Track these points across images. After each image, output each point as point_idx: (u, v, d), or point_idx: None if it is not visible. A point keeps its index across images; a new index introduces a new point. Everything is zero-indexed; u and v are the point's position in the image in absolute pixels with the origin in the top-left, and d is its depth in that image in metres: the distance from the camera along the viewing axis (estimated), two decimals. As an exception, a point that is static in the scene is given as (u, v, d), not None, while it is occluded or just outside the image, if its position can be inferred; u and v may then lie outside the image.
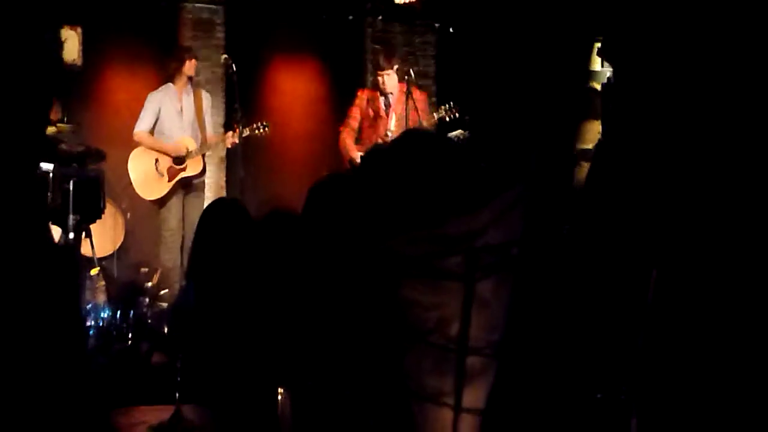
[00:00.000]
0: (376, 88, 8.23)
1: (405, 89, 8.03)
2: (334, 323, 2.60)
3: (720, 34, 3.53)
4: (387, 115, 8.12)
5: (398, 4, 10.19)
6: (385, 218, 2.58)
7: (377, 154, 2.86)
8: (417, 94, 8.17)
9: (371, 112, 8.16)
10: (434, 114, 8.16)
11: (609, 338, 2.83)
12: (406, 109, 7.96)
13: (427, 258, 2.54)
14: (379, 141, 7.94)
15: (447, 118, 8.10)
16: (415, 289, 2.53)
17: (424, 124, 7.90)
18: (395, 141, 3.02)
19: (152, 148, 7.92)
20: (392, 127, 8.04)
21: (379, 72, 8.13)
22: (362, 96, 8.28)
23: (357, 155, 7.96)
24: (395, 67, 8.17)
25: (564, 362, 2.73)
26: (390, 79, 8.10)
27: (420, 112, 7.97)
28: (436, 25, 10.76)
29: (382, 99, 8.17)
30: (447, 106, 8.14)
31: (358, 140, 8.18)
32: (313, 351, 2.70)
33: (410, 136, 2.97)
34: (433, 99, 10.60)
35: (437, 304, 2.54)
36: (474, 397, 2.55)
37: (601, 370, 2.67)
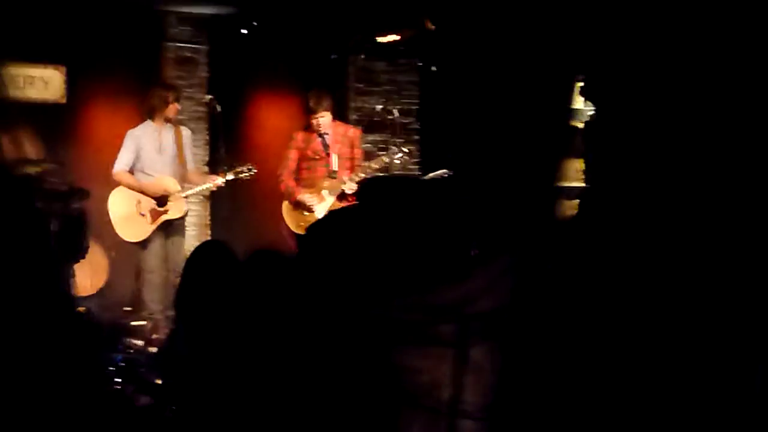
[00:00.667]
0: (310, 130, 8.23)
1: (337, 128, 8.13)
2: (324, 379, 2.60)
3: (702, 74, 3.56)
4: (327, 155, 8.17)
5: (381, 42, 10.25)
6: (376, 283, 2.58)
7: (350, 213, 2.84)
8: (351, 132, 8.26)
9: (309, 153, 8.20)
10: (383, 158, 8.23)
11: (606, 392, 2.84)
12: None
13: (420, 325, 2.54)
14: (325, 183, 7.99)
15: (395, 161, 8.18)
16: (407, 354, 2.53)
17: (374, 166, 8.01)
18: (370, 195, 2.98)
19: (132, 188, 7.88)
20: (335, 167, 8.09)
21: (313, 116, 8.14)
22: (298, 138, 8.29)
23: (305, 196, 8.06)
24: (327, 108, 8.20)
25: (559, 420, 2.73)
26: (324, 120, 8.15)
27: (357, 152, 8.11)
28: (419, 63, 10.81)
29: (319, 140, 8.21)
30: (395, 148, 8.21)
31: (297, 181, 8.26)
32: (303, 404, 2.70)
33: (384, 188, 2.94)
34: (416, 137, 10.65)
35: (429, 368, 2.54)
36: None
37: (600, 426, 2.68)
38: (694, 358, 2.78)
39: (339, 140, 8.23)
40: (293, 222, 8.13)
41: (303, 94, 10.42)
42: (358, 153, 8.24)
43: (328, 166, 8.13)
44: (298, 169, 8.25)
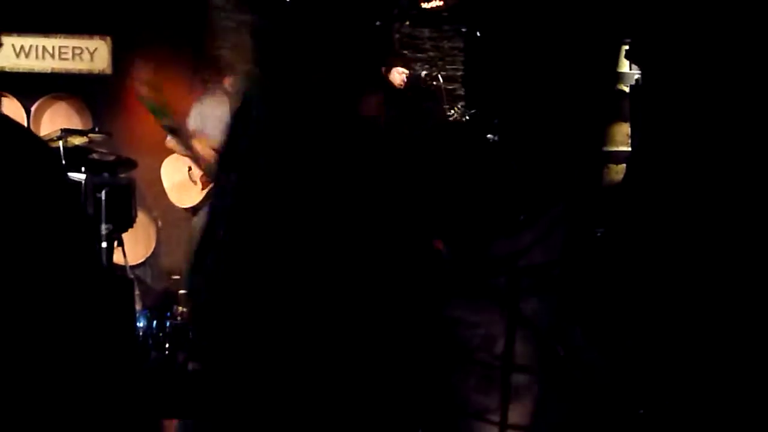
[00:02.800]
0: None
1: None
2: (378, 330, 2.59)
3: (744, 37, 3.52)
4: None
5: (425, 9, 10.20)
6: (432, 235, 2.58)
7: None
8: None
9: None
10: None
11: (650, 349, 2.82)
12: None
13: (473, 278, 2.54)
14: None
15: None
16: (461, 307, 2.54)
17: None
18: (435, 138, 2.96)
19: (184, 155, 7.91)
20: None
21: (397, 69, 8.03)
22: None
23: None
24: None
25: (607, 377, 2.72)
26: (404, 80, 8.07)
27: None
28: (463, 29, 10.76)
29: None
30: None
31: None
32: (356, 356, 2.69)
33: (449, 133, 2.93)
34: (461, 103, 10.62)
35: (482, 322, 2.54)
36: (519, 413, 2.55)
37: (643, 384, 2.67)
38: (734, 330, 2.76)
39: None
40: None
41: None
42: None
43: None
44: None
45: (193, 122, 7.88)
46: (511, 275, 2.51)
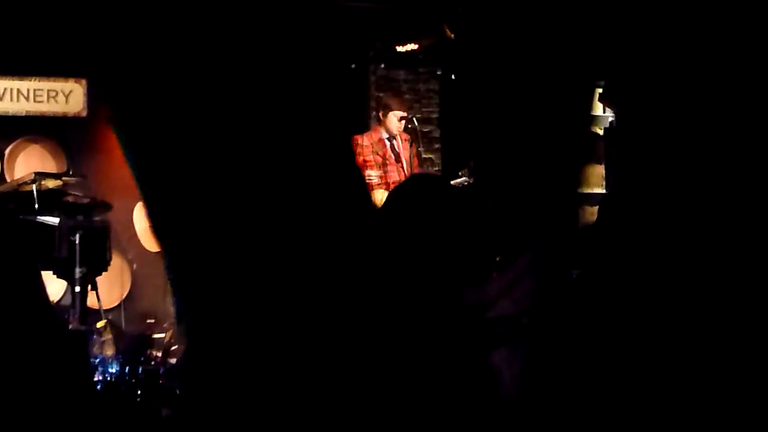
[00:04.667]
0: (376, 134, 8.04)
1: (406, 137, 8.00)
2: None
3: (723, 77, 3.53)
4: (398, 161, 7.95)
5: (400, 52, 10.26)
6: (397, 289, 2.57)
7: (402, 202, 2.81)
8: (407, 139, 8.10)
9: (379, 159, 7.89)
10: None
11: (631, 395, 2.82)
12: (410, 157, 7.93)
13: (440, 332, 2.54)
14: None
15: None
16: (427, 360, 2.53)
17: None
18: (413, 192, 2.94)
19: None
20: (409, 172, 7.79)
21: (397, 115, 7.91)
22: (363, 143, 7.91)
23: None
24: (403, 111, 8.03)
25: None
26: (402, 123, 7.98)
27: (415, 160, 7.97)
28: (438, 72, 10.82)
29: (388, 145, 8.00)
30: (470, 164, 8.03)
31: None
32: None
33: (427, 186, 2.92)
34: (437, 145, 10.66)
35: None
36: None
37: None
38: (718, 367, 2.75)
39: (405, 146, 8.06)
40: None
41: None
42: (415, 161, 8.09)
43: (401, 171, 7.84)
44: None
45: None
46: (478, 327, 2.51)
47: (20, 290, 2.23)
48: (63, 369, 2.61)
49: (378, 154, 7.86)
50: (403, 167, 7.80)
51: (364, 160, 7.79)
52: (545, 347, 2.63)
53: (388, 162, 7.87)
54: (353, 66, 10.57)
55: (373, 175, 7.74)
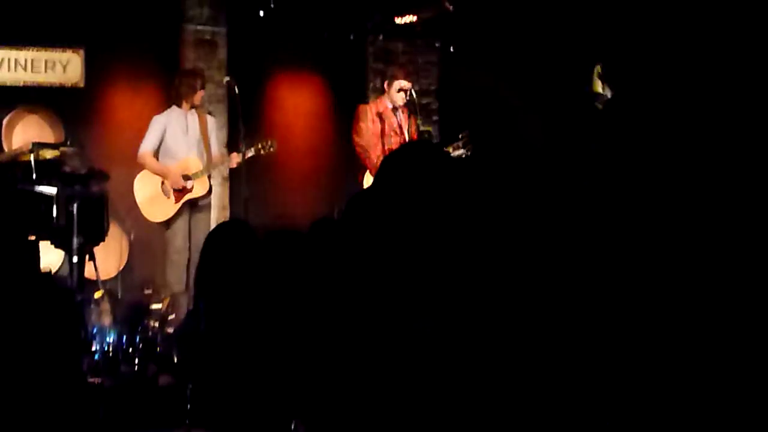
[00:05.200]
0: (382, 101, 8.05)
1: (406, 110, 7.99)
2: (348, 352, 2.61)
3: (720, 56, 3.55)
4: (401, 132, 7.95)
5: (399, 23, 10.23)
6: (397, 255, 2.58)
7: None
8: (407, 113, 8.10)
9: (387, 129, 7.92)
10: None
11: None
12: (409, 129, 7.92)
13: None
14: None
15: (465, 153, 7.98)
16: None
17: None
18: (400, 161, 2.92)
19: (155, 172, 7.86)
20: None
21: (400, 83, 7.92)
22: (372, 111, 7.95)
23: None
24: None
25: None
26: (407, 93, 7.94)
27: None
28: (437, 44, 10.80)
29: (395, 115, 7.99)
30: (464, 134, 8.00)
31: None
32: (327, 380, 2.71)
33: (415, 154, 2.89)
34: (435, 117, 10.66)
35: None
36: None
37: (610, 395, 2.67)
38: (693, 354, 2.77)
39: (407, 118, 8.05)
40: None
41: (321, 75, 10.46)
42: (414, 134, 8.06)
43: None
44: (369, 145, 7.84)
45: (153, 136, 7.86)
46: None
47: (18, 259, 2.26)
48: (59, 334, 2.63)
49: (383, 123, 7.83)
50: (406, 140, 7.77)
51: (372, 124, 7.75)
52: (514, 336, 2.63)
53: (392, 133, 7.85)
54: (351, 37, 10.56)
55: (370, 154, 7.74)
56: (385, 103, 7.97)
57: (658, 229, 3.09)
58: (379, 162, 7.57)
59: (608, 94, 9.40)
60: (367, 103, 8.31)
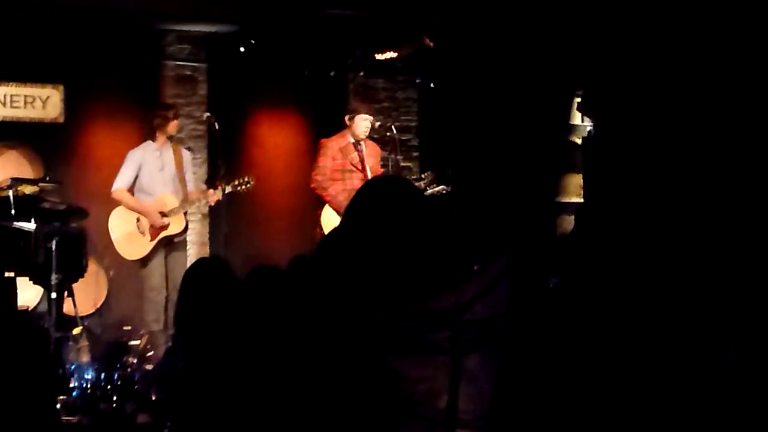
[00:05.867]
0: (344, 139, 7.99)
1: (368, 141, 7.97)
2: (322, 390, 2.60)
3: (699, 86, 3.57)
4: (363, 168, 7.93)
5: (379, 60, 10.27)
6: (375, 293, 2.58)
7: (358, 212, 2.82)
8: (377, 147, 8.10)
9: (347, 165, 7.90)
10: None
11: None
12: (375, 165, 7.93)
13: (416, 333, 2.55)
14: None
15: (427, 189, 8.03)
16: (404, 362, 2.54)
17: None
18: (369, 195, 2.93)
19: (130, 208, 7.81)
20: None
21: (362, 118, 7.92)
22: (331, 146, 7.95)
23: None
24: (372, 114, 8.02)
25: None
26: (368, 127, 7.96)
27: (381, 170, 7.96)
28: (418, 80, 10.83)
29: (356, 151, 7.96)
30: (426, 174, 8.07)
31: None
32: (303, 418, 2.70)
33: (383, 189, 2.90)
34: (415, 154, 10.68)
35: (425, 377, 2.54)
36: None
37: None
38: (688, 370, 2.79)
39: (372, 154, 8.04)
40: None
41: (302, 112, 10.47)
42: (381, 171, 8.08)
43: (365, 179, 7.70)
44: (329, 181, 7.87)
45: (128, 172, 7.83)
46: (454, 329, 2.52)
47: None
48: (33, 373, 2.61)
49: (345, 158, 7.84)
50: (367, 175, 7.77)
51: (332, 161, 7.78)
52: (521, 352, 2.65)
53: (353, 168, 7.85)
54: (332, 74, 10.59)
55: (328, 189, 7.75)
56: (348, 138, 7.97)
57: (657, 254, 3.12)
58: (337, 197, 7.71)
59: (588, 125, 9.46)
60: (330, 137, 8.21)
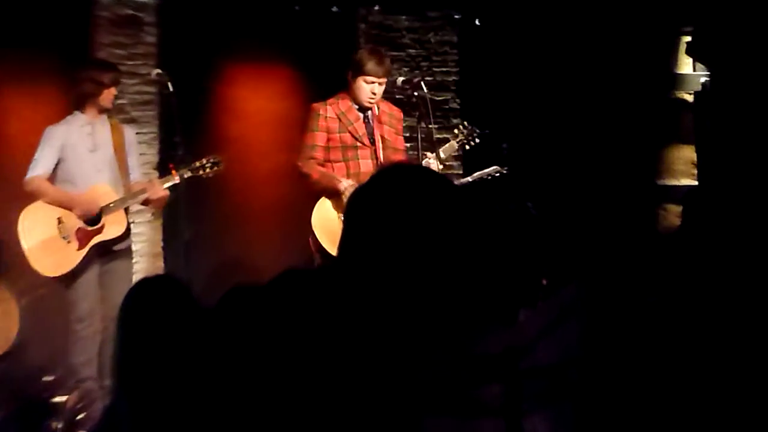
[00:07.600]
0: (347, 103, 7.91)
1: (383, 105, 7.87)
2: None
3: None
4: (373, 142, 7.88)
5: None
6: (401, 335, 2.54)
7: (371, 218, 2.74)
8: (396, 113, 8.01)
9: (347, 139, 7.83)
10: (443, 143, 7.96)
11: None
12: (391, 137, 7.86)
13: (457, 387, 2.52)
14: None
15: (465, 146, 7.97)
16: (442, 426, 2.51)
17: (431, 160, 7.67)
18: (373, 195, 2.85)
19: (53, 203, 7.77)
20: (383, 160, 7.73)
21: (366, 79, 7.79)
22: (325, 113, 7.89)
23: (345, 183, 7.58)
24: (387, 74, 7.91)
25: None
26: (381, 91, 7.86)
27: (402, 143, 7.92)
28: (457, 16, 10.80)
29: (362, 120, 7.90)
30: (462, 127, 8.00)
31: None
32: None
33: (397, 185, 2.82)
34: (454, 121, 10.62)
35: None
36: None
37: None
38: None
39: (386, 121, 7.98)
40: (329, 236, 7.57)
41: (292, 65, 10.45)
42: (403, 144, 8.01)
43: (376, 158, 7.79)
44: (327, 163, 7.82)
45: (47, 155, 7.79)
46: (509, 382, 2.48)
47: None
48: None
49: (345, 130, 7.75)
50: (378, 153, 7.70)
51: (328, 139, 7.70)
52: (602, 409, 2.63)
53: (359, 143, 7.73)
54: (334, 9, 10.55)
55: (313, 175, 7.67)
56: (349, 101, 7.85)
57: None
58: (323, 182, 7.64)
59: (700, 75, 9.44)
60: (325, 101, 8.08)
